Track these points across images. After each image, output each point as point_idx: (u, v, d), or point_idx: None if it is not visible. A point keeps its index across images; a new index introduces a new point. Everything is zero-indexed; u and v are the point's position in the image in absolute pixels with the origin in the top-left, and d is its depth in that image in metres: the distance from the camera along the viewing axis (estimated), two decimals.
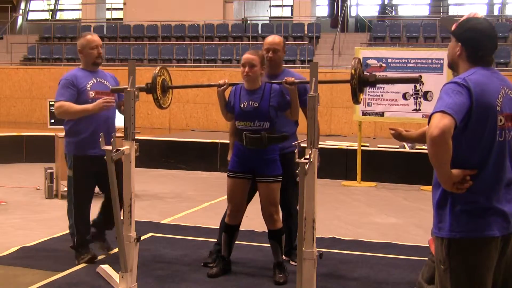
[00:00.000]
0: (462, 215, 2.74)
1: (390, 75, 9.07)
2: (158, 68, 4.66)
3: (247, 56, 4.59)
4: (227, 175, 4.79)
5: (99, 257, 5.17)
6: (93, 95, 5.00)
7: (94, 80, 5.07)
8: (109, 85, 5.10)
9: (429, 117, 2.67)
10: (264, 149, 4.60)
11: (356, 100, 4.10)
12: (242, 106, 4.63)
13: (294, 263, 5.13)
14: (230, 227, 4.84)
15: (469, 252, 2.75)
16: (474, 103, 2.67)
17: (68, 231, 5.23)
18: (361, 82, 4.04)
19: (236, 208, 4.79)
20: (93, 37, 5.12)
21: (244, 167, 4.69)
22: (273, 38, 5.11)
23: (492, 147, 2.73)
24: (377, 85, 9.70)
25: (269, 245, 4.93)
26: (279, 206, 4.78)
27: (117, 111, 5.21)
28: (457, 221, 2.74)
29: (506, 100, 2.78)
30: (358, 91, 4.06)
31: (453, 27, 2.91)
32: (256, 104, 4.59)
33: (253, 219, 6.74)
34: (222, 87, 4.63)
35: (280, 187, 4.70)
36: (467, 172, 2.70)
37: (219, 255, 4.96)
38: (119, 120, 7.57)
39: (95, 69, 5.16)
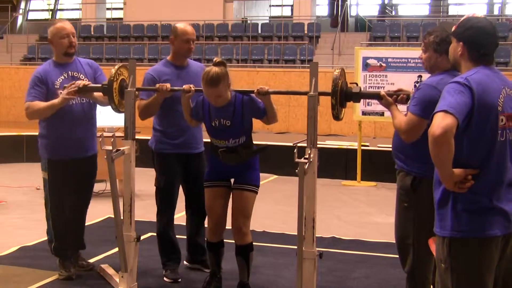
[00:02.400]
0: (463, 214, 2.74)
1: (390, 74, 9.08)
2: (115, 68, 4.35)
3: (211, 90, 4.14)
4: (204, 186, 4.38)
5: (95, 258, 5.18)
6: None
7: (65, 75, 4.63)
8: (83, 77, 4.67)
9: (431, 117, 2.67)
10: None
11: (337, 117, 3.86)
12: (213, 124, 4.23)
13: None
14: (213, 245, 4.38)
15: (471, 251, 2.75)
16: (476, 102, 2.68)
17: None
18: (344, 97, 3.79)
19: (217, 221, 4.32)
20: (64, 25, 4.67)
21: (221, 175, 4.33)
22: (191, 28, 4.72)
23: (494, 147, 2.74)
24: (377, 84, 9.75)
25: (268, 244, 4.92)
26: (249, 218, 4.32)
27: (97, 105, 4.79)
28: (459, 220, 2.75)
29: (507, 100, 2.78)
30: (340, 107, 3.81)
31: (453, 28, 2.92)
32: (228, 123, 4.18)
33: (252, 218, 6.73)
34: (188, 94, 4.23)
35: (253, 198, 4.30)
36: (469, 172, 2.71)
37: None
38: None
39: (68, 60, 4.70)
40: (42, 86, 4.57)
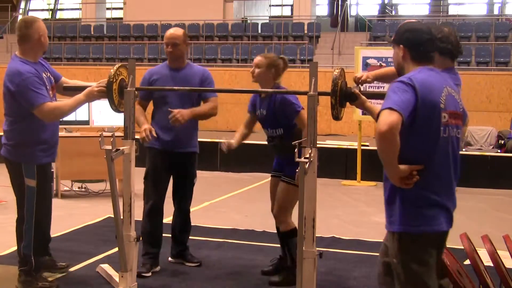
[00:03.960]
0: (411, 210, 2.86)
1: None
2: (114, 68, 4.28)
3: (256, 58, 4.64)
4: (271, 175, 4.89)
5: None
6: (51, 95, 4.36)
7: (45, 74, 4.36)
8: (50, 76, 4.43)
9: (378, 114, 2.79)
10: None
11: (336, 117, 3.85)
12: (257, 114, 4.72)
13: (190, 264, 5.04)
14: (277, 230, 4.77)
15: (419, 245, 2.87)
16: (420, 100, 2.80)
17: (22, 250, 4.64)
18: (343, 97, 3.78)
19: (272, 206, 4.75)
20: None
21: (276, 166, 4.80)
22: (172, 32, 4.81)
23: (437, 143, 2.86)
24: (376, 84, 9.73)
25: (268, 244, 4.94)
26: (283, 207, 4.60)
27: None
28: (407, 216, 2.86)
29: (449, 98, 2.92)
30: (340, 107, 3.83)
31: (392, 38, 3.10)
32: (264, 112, 4.61)
33: (253, 218, 6.73)
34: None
35: (290, 189, 4.50)
36: (414, 167, 2.81)
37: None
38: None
39: (36, 60, 4.36)
40: (43, 85, 4.23)
